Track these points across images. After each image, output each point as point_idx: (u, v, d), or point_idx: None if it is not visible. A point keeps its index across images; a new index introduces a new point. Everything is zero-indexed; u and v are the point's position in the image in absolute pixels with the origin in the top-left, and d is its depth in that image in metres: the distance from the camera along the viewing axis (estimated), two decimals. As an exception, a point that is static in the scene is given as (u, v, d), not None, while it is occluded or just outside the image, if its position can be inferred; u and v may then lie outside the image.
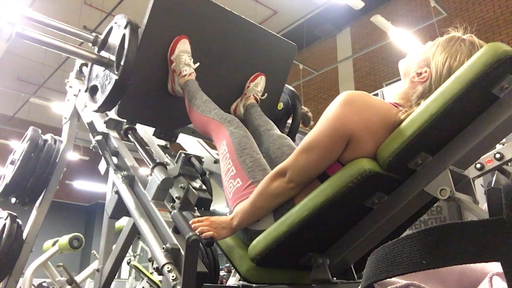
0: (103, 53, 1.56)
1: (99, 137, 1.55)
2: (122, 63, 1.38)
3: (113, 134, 1.63)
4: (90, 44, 1.63)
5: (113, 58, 1.46)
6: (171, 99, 1.60)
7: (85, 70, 2.06)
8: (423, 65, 1.07)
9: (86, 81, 1.66)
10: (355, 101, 0.99)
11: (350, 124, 0.96)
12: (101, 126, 1.69)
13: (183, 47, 1.52)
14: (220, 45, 1.66)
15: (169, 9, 1.49)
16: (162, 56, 1.52)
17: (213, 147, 2.05)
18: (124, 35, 1.42)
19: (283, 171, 1.03)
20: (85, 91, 1.62)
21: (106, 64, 1.50)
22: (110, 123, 1.68)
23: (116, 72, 1.40)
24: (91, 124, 1.75)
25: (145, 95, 1.56)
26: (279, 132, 1.51)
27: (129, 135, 1.59)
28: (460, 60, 1.01)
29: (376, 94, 3.17)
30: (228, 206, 1.20)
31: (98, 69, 1.58)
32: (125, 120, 1.65)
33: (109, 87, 1.43)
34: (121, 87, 1.41)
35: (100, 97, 1.49)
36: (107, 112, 1.72)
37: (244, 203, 1.09)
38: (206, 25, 1.59)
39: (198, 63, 1.55)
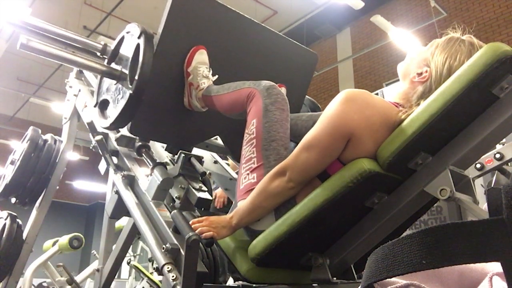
0: (114, 65, 1.45)
1: (99, 137, 1.54)
2: (136, 76, 1.27)
3: (124, 151, 1.54)
4: (98, 53, 1.52)
5: (125, 70, 1.35)
6: (187, 115, 1.49)
7: (86, 71, 2.06)
8: (423, 65, 1.07)
9: (96, 95, 1.54)
10: (356, 99, 0.98)
11: (351, 122, 0.96)
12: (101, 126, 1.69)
13: (201, 58, 1.41)
14: (239, 55, 1.57)
15: (185, 17, 1.40)
16: (177, 68, 1.42)
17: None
18: (138, 45, 1.32)
19: (283, 171, 1.03)
20: (95, 106, 1.52)
21: (118, 77, 1.38)
22: (121, 140, 1.56)
23: (130, 86, 1.29)
24: (91, 124, 1.74)
25: (159, 111, 1.45)
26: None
27: (143, 154, 1.49)
28: (460, 60, 1.01)
29: (376, 94, 3.18)
30: (235, 195, 1.18)
31: (108, 82, 1.47)
32: (137, 137, 1.55)
33: (122, 102, 1.31)
34: (136, 102, 1.30)
35: (112, 113, 1.38)
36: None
37: (244, 201, 1.09)
38: (224, 34, 1.50)
39: (216, 76, 1.43)
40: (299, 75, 1.78)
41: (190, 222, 1.05)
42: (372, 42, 7.39)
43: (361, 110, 0.97)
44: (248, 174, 1.13)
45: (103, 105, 1.48)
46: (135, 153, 1.53)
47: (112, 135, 1.61)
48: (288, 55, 1.71)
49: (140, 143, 1.52)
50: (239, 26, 1.54)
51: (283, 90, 1.68)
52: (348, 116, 0.96)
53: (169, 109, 1.46)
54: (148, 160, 1.41)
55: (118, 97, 1.36)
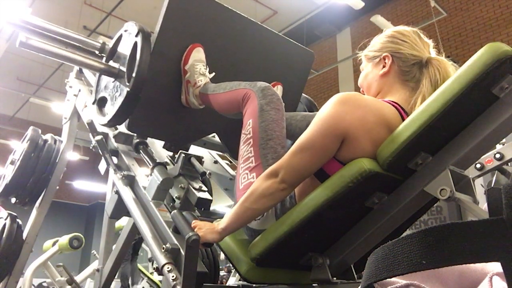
0: (112, 63, 1.46)
1: (99, 137, 1.54)
2: (134, 74, 1.28)
3: (123, 148, 1.55)
4: (97, 52, 1.55)
5: (123, 68, 1.37)
6: (184, 112, 1.51)
7: (86, 71, 2.06)
8: (379, 59, 1.24)
9: (94, 93, 1.56)
10: (347, 101, 0.99)
11: (343, 122, 0.96)
12: (101, 126, 1.69)
13: (198, 56, 1.43)
14: (236, 53, 1.57)
15: (183, 16, 1.41)
16: (175, 66, 1.43)
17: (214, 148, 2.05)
18: (135, 43, 1.33)
19: (275, 172, 1.01)
20: (93, 103, 1.54)
21: (115, 74, 1.39)
22: (119, 137, 1.57)
23: (128, 84, 1.30)
24: (91, 124, 1.74)
25: (157, 108, 1.46)
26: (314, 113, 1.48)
27: (141, 150, 1.50)
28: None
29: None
30: (235, 196, 1.16)
31: (106, 80, 1.48)
32: (135, 134, 1.56)
33: (120, 99, 1.33)
34: (133, 100, 1.31)
35: (110, 110, 1.39)
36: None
37: (235, 205, 1.07)
38: (221, 33, 1.51)
39: (213, 73, 1.45)
40: (295, 73, 1.79)
41: None
42: (372, 42, 7.39)
43: (353, 111, 0.97)
44: (247, 173, 1.12)
45: (101, 103, 1.50)
46: (134, 153, 1.54)
47: (112, 134, 1.61)
48: (284, 53, 1.72)
49: (138, 140, 1.52)
50: (236, 25, 1.55)
51: (280, 88, 1.70)
52: (340, 116, 0.97)
53: (167, 106, 1.48)
54: (148, 160, 1.41)
55: (116, 94, 1.37)
